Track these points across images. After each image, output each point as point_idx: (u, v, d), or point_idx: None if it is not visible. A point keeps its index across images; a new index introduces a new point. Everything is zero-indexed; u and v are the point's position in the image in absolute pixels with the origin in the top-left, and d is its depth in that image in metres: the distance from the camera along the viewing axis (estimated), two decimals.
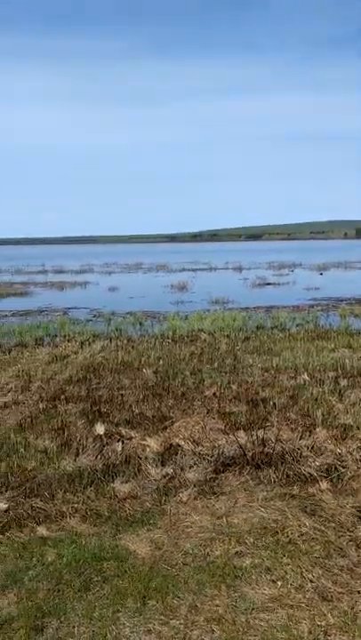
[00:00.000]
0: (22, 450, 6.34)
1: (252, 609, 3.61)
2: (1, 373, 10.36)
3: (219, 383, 8.97)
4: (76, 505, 5.08)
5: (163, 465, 5.86)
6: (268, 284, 33.79)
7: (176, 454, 6.10)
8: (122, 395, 8.48)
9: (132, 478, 5.58)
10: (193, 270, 49.11)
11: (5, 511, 5.01)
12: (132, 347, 12.72)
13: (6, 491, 5.35)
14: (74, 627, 3.50)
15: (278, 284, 33.32)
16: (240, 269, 49.05)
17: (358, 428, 6.64)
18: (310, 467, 5.67)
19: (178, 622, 3.50)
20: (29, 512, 4.97)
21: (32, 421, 7.36)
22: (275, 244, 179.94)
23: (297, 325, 16.05)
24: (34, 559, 4.25)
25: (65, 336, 14.96)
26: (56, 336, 15.12)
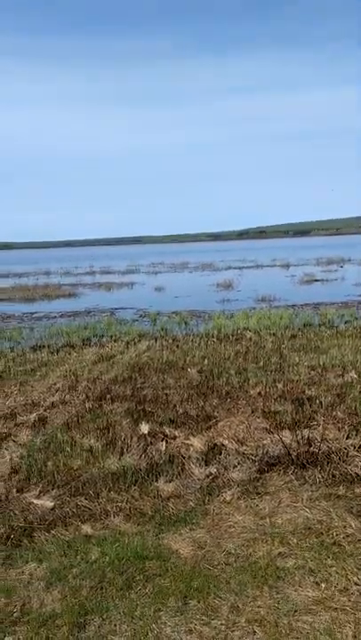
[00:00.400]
0: (68, 449, 6.44)
1: (295, 611, 3.56)
2: (49, 373, 10.58)
3: (264, 382, 8.90)
4: (120, 504, 5.12)
5: (206, 464, 5.85)
6: (316, 280, 33.27)
7: (220, 454, 6.08)
8: (166, 394, 8.52)
9: (176, 477, 5.58)
10: (239, 268, 48.86)
11: (51, 509, 5.10)
12: (177, 346, 12.76)
13: (53, 489, 5.45)
14: (116, 625, 3.53)
15: (326, 281, 32.76)
16: (287, 266, 48.51)
17: None
18: (357, 466, 5.54)
19: (219, 623, 3.48)
20: (75, 510, 5.05)
21: (78, 421, 7.48)
22: (323, 240, 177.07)
23: (345, 322, 15.75)
24: (78, 557, 4.32)
25: (111, 336, 15.12)
26: (103, 336, 15.32)
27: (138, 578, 3.99)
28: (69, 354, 12.62)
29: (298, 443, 6.04)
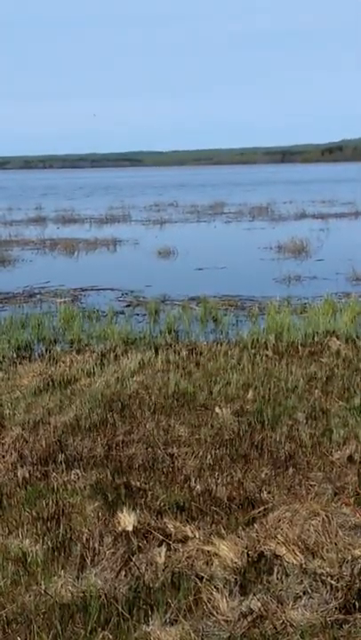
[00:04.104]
0: None
1: None
2: None
3: None
4: None
5: (244, 593, 5.88)
6: None
7: (270, 573, 6.11)
8: (172, 456, 8.60)
9: (184, 617, 5.60)
10: (321, 217, 48.83)
11: None
12: (197, 364, 12.87)
13: None
14: None
15: None
16: None
17: None
18: None
19: None
20: None
21: (1, 502, 7.56)
22: None
23: None
24: None
25: (72, 342, 15.29)
26: (55, 342, 15.49)
27: None
28: None
29: None
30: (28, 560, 6.40)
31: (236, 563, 6.24)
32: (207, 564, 6.25)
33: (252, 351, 13.68)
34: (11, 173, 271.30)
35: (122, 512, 7.02)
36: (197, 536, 6.66)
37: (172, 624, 5.51)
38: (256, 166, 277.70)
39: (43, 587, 5.99)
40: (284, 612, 5.62)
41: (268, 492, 7.52)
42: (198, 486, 7.71)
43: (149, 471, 8.15)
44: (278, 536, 6.56)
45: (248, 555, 6.34)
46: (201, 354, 13.65)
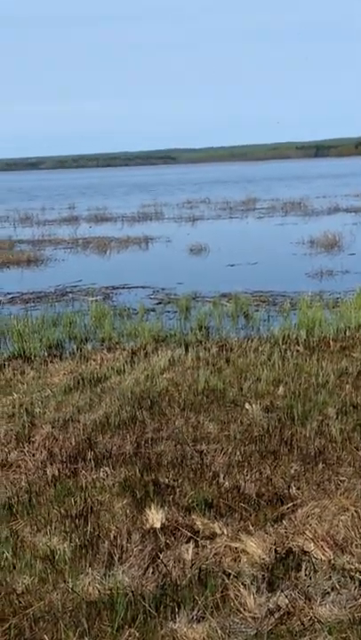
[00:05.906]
0: (9, 554, 6.51)
1: None
2: None
3: None
4: None
5: (272, 590, 5.86)
6: None
7: (298, 569, 6.10)
8: (201, 453, 8.58)
9: (211, 614, 5.59)
10: (354, 211, 48.61)
11: None
12: (227, 360, 12.85)
13: None
14: None
15: None
16: None
17: None
18: None
19: None
20: None
21: (30, 500, 7.57)
22: None
23: None
24: None
25: (103, 340, 15.32)
26: (87, 340, 15.52)
27: None
28: (22, 373, 12.81)
29: None
30: (56, 557, 6.42)
31: (263, 559, 6.23)
32: (235, 560, 6.25)
33: (283, 347, 13.69)
34: (46, 173, 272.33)
35: (150, 509, 7.02)
36: (225, 533, 6.66)
37: (199, 621, 5.51)
38: (290, 161, 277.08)
39: (70, 584, 6.01)
40: (312, 609, 5.61)
41: (298, 488, 7.53)
42: (227, 483, 7.71)
43: (178, 468, 8.16)
44: (307, 532, 6.56)
45: (276, 551, 6.34)
46: (231, 350, 13.66)
